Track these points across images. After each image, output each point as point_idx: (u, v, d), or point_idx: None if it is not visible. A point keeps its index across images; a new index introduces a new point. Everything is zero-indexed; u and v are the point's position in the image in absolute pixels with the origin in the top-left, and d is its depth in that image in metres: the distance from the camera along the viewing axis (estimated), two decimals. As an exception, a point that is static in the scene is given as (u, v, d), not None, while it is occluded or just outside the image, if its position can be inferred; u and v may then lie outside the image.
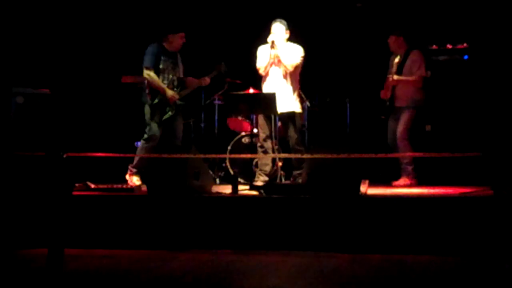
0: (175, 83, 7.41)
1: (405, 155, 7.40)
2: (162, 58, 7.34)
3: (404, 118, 7.48)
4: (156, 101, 7.29)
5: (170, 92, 7.29)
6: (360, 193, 5.89)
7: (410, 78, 7.43)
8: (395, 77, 7.46)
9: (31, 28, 8.81)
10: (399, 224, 5.44)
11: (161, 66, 7.33)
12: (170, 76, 7.38)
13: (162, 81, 7.31)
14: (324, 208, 5.59)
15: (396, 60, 7.51)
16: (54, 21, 8.98)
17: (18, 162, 6.24)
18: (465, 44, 8.34)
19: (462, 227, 5.32)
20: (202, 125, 8.91)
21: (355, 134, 8.96)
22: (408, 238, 5.39)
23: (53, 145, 7.05)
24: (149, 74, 7.26)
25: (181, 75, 7.46)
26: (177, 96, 7.34)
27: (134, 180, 7.36)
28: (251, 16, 8.80)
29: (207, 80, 7.56)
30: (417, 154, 7.32)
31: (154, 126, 7.31)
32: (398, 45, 7.60)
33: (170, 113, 7.31)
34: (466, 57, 8.40)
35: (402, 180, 7.47)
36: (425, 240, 5.35)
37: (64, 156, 5.47)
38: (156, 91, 7.27)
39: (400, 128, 7.46)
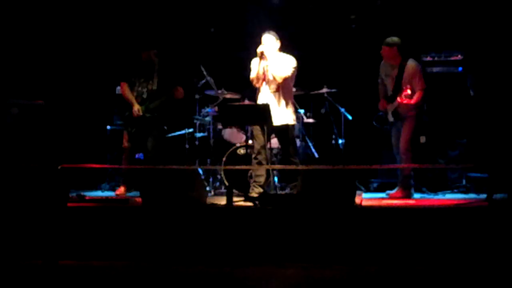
0: (144, 95, 7.42)
1: (400, 166, 7.37)
2: (134, 71, 7.46)
3: (406, 127, 7.40)
4: (127, 113, 7.39)
5: (134, 107, 7.40)
6: (355, 204, 5.90)
7: (414, 99, 7.29)
8: (404, 101, 7.29)
9: (26, 40, 8.83)
10: (395, 235, 5.43)
11: (132, 79, 7.45)
12: (140, 88, 7.42)
13: (133, 94, 7.39)
14: (319, 220, 5.59)
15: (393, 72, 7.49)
16: (48, 33, 8.99)
17: (13, 173, 6.22)
18: (459, 56, 8.36)
19: (458, 237, 5.33)
20: (197, 136, 8.90)
21: (350, 145, 8.96)
22: (403, 249, 5.38)
23: (47, 156, 7.05)
24: (121, 87, 7.45)
25: (155, 87, 7.44)
26: (139, 112, 7.35)
27: (121, 190, 7.42)
28: (248, 28, 8.81)
29: (179, 90, 7.50)
30: (411, 166, 7.31)
31: (125, 138, 7.38)
32: (392, 56, 7.49)
33: (130, 129, 7.38)
34: (460, 68, 8.42)
35: (399, 192, 7.44)
36: (421, 251, 5.35)
37: (59, 167, 5.47)
38: (128, 104, 7.36)
39: (403, 139, 7.39)
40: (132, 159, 7.48)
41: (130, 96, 7.41)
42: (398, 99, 7.25)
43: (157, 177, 6.18)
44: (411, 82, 7.30)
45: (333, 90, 8.75)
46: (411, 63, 7.42)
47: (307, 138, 8.67)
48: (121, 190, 7.49)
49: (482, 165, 6.27)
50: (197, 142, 8.80)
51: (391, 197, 7.38)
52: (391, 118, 7.53)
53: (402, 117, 7.44)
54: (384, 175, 8.48)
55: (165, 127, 8.15)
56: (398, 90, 7.37)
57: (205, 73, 8.23)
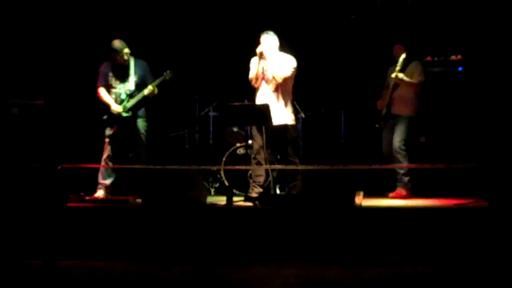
0: (122, 96, 7.40)
1: (399, 166, 7.39)
2: (110, 74, 7.44)
3: (400, 128, 7.45)
4: (105, 117, 7.42)
5: (112, 107, 7.39)
6: (355, 204, 5.90)
7: (413, 81, 7.38)
8: (400, 75, 7.40)
9: (26, 40, 8.83)
10: (395, 235, 5.44)
11: (109, 82, 7.45)
12: (117, 90, 7.41)
13: (111, 96, 7.39)
14: (319, 220, 5.59)
15: (403, 57, 7.48)
16: (48, 33, 8.99)
17: (13, 173, 6.23)
18: (459, 56, 8.37)
19: (457, 238, 5.33)
20: (197, 136, 8.91)
21: (350, 145, 8.96)
22: (403, 250, 5.39)
23: (48, 156, 7.05)
24: (98, 92, 7.45)
25: (132, 88, 7.41)
26: (118, 110, 7.35)
27: (99, 194, 7.36)
28: (247, 28, 8.80)
29: (149, 88, 7.37)
30: (411, 166, 7.32)
31: (107, 141, 7.43)
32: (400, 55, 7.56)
33: (109, 128, 7.42)
34: (460, 68, 8.43)
35: (398, 192, 7.45)
36: (420, 252, 5.35)
37: (59, 167, 5.47)
38: (106, 107, 7.40)
39: (396, 138, 7.44)
40: (114, 163, 7.40)
41: (108, 99, 7.39)
42: (393, 75, 7.44)
43: (157, 178, 6.19)
44: (412, 75, 7.34)
45: (333, 90, 8.76)
46: (414, 62, 7.54)
47: (306, 138, 8.67)
48: (98, 193, 7.40)
49: (483, 165, 6.26)
50: (197, 142, 8.82)
51: (391, 197, 7.39)
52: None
53: (395, 116, 7.52)
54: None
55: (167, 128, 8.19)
56: (397, 84, 7.46)
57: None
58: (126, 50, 7.39)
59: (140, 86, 7.37)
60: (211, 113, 8.74)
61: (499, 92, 7.65)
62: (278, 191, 7.46)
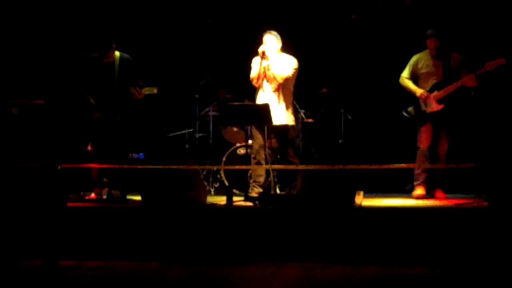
0: (106, 96, 7.26)
1: (399, 166, 7.29)
2: (94, 72, 7.24)
3: (447, 130, 7.24)
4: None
5: (95, 112, 7.15)
6: (354, 204, 5.90)
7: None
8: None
9: (26, 40, 8.82)
10: (394, 235, 5.44)
11: (92, 82, 7.24)
12: (101, 90, 7.25)
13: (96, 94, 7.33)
14: (319, 219, 5.60)
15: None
16: (48, 33, 8.98)
17: (13, 173, 6.23)
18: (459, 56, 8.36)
19: (457, 238, 5.33)
20: (197, 136, 8.91)
21: (350, 145, 8.96)
22: (403, 249, 5.39)
23: (48, 156, 7.05)
24: (81, 92, 7.27)
25: (116, 87, 7.26)
26: (98, 113, 7.26)
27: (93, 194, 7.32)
28: (248, 28, 8.81)
29: (132, 90, 7.21)
30: (410, 166, 7.31)
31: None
32: (438, 47, 7.25)
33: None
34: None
35: (441, 192, 7.21)
36: (420, 252, 5.35)
37: (59, 167, 5.47)
38: (92, 106, 7.31)
39: (447, 145, 7.20)
40: (99, 161, 7.32)
41: (88, 99, 7.26)
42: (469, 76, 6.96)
43: (157, 177, 6.19)
44: (460, 70, 7.14)
45: (333, 90, 8.76)
46: (454, 53, 7.27)
47: (307, 138, 8.67)
48: (92, 195, 7.34)
49: (483, 165, 6.26)
50: (197, 142, 8.82)
51: (437, 198, 7.14)
52: (429, 109, 7.21)
53: (447, 105, 7.15)
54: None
55: (165, 127, 8.14)
56: (449, 76, 7.15)
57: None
58: (112, 52, 7.21)
59: (125, 83, 7.21)
60: (211, 113, 8.74)
61: (499, 92, 7.64)
62: (278, 191, 7.46)
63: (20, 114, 7.33)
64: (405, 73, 7.40)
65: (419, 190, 7.25)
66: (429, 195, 7.22)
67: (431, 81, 7.21)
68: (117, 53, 7.31)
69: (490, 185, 6.03)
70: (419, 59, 7.36)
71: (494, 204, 5.69)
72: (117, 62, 7.30)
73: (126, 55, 7.34)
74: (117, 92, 7.23)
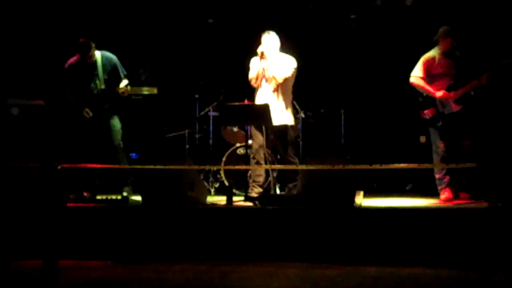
0: (94, 94, 7.22)
1: (397, 166, 7.24)
2: (78, 73, 7.22)
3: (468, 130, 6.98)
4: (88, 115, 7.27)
5: (84, 111, 7.18)
6: (354, 204, 5.90)
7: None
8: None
9: (25, 40, 8.82)
10: (394, 235, 5.44)
11: (78, 82, 7.24)
12: (89, 90, 7.19)
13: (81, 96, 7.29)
14: (318, 220, 5.60)
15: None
16: (48, 33, 8.98)
17: (13, 173, 6.23)
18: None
19: (457, 238, 5.33)
20: (197, 136, 8.91)
21: (350, 145, 8.97)
22: (403, 249, 5.39)
23: (47, 156, 7.04)
24: (67, 94, 7.33)
25: (103, 87, 7.20)
26: (88, 114, 7.17)
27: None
28: (248, 28, 8.81)
29: (121, 87, 7.12)
30: (411, 166, 7.29)
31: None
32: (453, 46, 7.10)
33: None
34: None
35: (450, 193, 6.94)
36: (420, 252, 5.35)
37: (59, 167, 5.47)
38: (77, 108, 7.29)
39: (469, 143, 6.95)
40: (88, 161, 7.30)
41: (77, 101, 7.24)
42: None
43: (156, 177, 6.19)
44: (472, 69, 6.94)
45: (333, 90, 8.77)
46: (466, 52, 7.11)
47: (307, 138, 8.68)
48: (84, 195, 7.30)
49: (483, 165, 6.25)
50: (197, 142, 8.83)
51: (444, 200, 6.89)
52: (448, 110, 6.97)
53: (465, 105, 6.94)
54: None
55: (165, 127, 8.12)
56: (464, 75, 6.94)
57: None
58: (92, 52, 7.15)
59: (110, 82, 7.19)
60: (211, 113, 8.74)
61: (499, 92, 7.64)
62: (278, 191, 7.46)
63: (20, 114, 7.33)
64: (420, 73, 7.03)
65: (447, 193, 6.90)
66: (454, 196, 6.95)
67: (446, 81, 6.97)
68: (98, 53, 7.25)
69: (491, 186, 6.03)
70: (432, 58, 7.04)
71: (494, 204, 5.68)
72: (99, 61, 7.24)
73: (107, 54, 7.29)
74: (104, 91, 7.19)
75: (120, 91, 7.09)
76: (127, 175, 7.29)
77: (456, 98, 6.90)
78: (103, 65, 7.24)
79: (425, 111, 7.00)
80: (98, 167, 7.04)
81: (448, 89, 6.95)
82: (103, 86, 7.22)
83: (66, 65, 7.30)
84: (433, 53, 7.07)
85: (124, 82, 7.15)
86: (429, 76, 7.02)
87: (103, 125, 7.24)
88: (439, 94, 6.92)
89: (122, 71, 7.26)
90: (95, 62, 7.23)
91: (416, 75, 7.04)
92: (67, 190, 6.23)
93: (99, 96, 7.19)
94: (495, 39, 8.02)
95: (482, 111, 7.14)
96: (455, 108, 6.92)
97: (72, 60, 7.29)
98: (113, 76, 7.23)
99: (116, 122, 7.31)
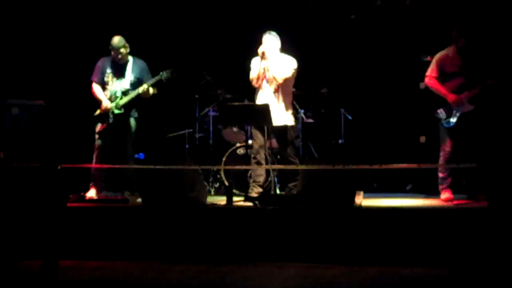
0: (118, 93, 7.33)
1: (397, 166, 7.22)
2: (107, 71, 7.40)
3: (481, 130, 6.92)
4: (96, 112, 7.36)
5: (103, 104, 7.32)
6: (354, 204, 5.90)
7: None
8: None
9: (25, 40, 8.82)
10: (394, 235, 5.44)
11: (105, 79, 7.41)
12: (112, 88, 7.34)
13: (106, 93, 7.37)
14: (319, 220, 5.60)
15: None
16: (48, 33, 8.98)
17: (13, 173, 6.23)
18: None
19: (457, 238, 5.33)
20: (197, 136, 8.91)
21: (350, 145, 8.96)
22: (403, 249, 5.39)
23: (47, 156, 7.04)
24: (92, 86, 7.43)
25: (127, 86, 7.35)
26: (108, 107, 7.30)
27: (91, 193, 7.31)
28: (248, 28, 8.81)
29: (144, 87, 7.30)
30: (411, 166, 7.29)
31: (96, 136, 7.38)
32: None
33: (100, 124, 7.37)
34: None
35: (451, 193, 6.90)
36: (420, 252, 5.35)
37: (59, 167, 5.47)
38: (98, 103, 7.37)
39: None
40: (104, 158, 7.35)
41: (101, 95, 7.34)
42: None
43: (157, 177, 6.19)
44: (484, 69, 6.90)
45: (333, 90, 8.75)
46: (477, 51, 7.00)
47: (307, 138, 8.67)
48: (91, 192, 7.32)
49: (483, 165, 6.25)
50: (197, 142, 8.82)
51: (445, 200, 6.84)
52: (461, 111, 6.87)
53: (479, 105, 6.87)
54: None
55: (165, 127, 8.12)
56: (476, 75, 6.88)
57: (205, 73, 8.20)
58: (123, 50, 7.33)
59: (136, 85, 7.33)
60: (211, 113, 8.74)
61: (500, 92, 7.63)
62: (278, 191, 7.46)
63: (20, 114, 7.34)
64: (434, 72, 6.94)
65: (447, 194, 6.85)
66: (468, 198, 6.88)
67: (458, 81, 6.89)
68: (130, 57, 7.46)
69: (491, 185, 6.03)
70: (446, 58, 6.97)
71: (494, 204, 5.68)
72: (130, 63, 7.44)
73: (139, 59, 7.50)
74: (127, 91, 7.31)
75: (143, 90, 7.27)
76: (132, 179, 7.31)
77: (469, 98, 6.83)
78: (133, 67, 7.43)
79: (438, 110, 6.93)
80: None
81: (461, 88, 6.86)
82: (127, 86, 7.38)
83: (99, 61, 7.48)
84: (446, 51, 7.02)
85: (145, 86, 7.32)
86: (442, 75, 6.95)
87: (122, 124, 7.37)
88: (451, 98, 6.83)
89: (148, 78, 7.42)
90: (125, 63, 7.43)
91: (431, 75, 6.98)
92: (67, 190, 6.24)
93: (123, 95, 7.33)
94: (502, 40, 8.00)
95: (482, 111, 7.15)
96: (468, 108, 6.85)
97: (105, 58, 7.48)
98: (139, 80, 7.40)
99: (134, 123, 7.47)
